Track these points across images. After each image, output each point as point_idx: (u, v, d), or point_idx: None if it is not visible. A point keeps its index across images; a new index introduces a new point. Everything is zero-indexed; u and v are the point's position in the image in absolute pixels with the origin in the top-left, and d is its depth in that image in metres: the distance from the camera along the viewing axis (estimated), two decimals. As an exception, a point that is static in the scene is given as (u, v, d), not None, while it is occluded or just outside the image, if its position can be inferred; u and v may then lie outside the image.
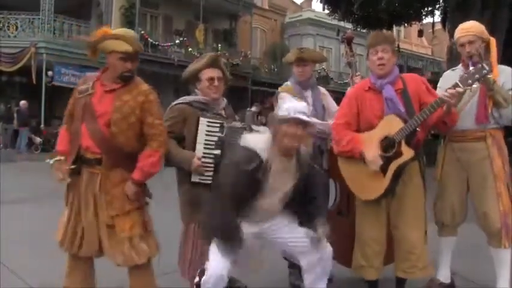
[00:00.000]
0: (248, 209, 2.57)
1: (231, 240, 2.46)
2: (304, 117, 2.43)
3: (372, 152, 2.82)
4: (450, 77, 3.16)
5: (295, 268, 3.46)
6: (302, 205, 2.68)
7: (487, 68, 2.66)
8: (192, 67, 3.08)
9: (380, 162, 2.80)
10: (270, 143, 2.50)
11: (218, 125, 2.91)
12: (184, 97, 3.06)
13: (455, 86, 2.70)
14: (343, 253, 3.20)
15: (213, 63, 3.03)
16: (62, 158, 2.65)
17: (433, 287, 3.28)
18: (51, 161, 2.65)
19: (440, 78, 3.35)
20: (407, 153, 2.77)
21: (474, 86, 2.79)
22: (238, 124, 3.01)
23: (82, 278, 2.78)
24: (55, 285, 2.92)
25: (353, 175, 2.99)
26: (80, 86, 2.69)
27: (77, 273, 2.78)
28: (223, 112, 3.06)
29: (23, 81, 17.85)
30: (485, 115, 3.02)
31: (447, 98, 2.68)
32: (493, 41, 3.05)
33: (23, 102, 15.64)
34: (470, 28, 3.10)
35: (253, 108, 16.93)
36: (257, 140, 2.53)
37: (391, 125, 2.80)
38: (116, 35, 2.59)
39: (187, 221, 2.95)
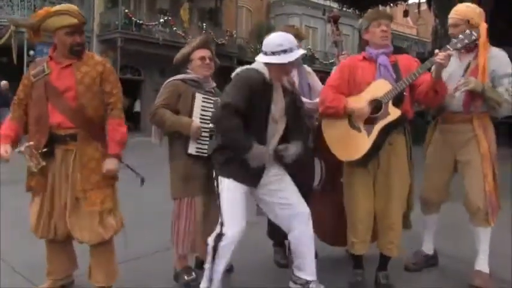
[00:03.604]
0: (260, 134, 2.64)
1: (247, 148, 2.51)
2: (302, 51, 2.66)
3: (359, 104, 2.86)
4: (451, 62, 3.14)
5: (280, 247, 3.51)
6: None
7: (475, 34, 2.70)
8: (184, 50, 3.21)
9: (368, 109, 2.82)
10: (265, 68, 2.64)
11: (212, 101, 3.05)
12: (178, 75, 3.16)
13: (446, 49, 2.73)
14: (328, 231, 3.25)
15: (204, 45, 3.19)
16: (31, 143, 2.56)
17: (417, 258, 3.46)
18: (22, 148, 2.53)
19: None
20: (394, 113, 2.80)
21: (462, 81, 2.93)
22: None
23: (64, 262, 2.83)
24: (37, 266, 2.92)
25: (336, 137, 3.00)
26: (31, 71, 2.67)
27: (58, 260, 2.81)
28: (213, 90, 3.19)
29: (3, 60, 17.46)
30: (471, 104, 3.07)
31: (439, 59, 2.69)
32: (482, 27, 3.02)
33: (3, 83, 15.30)
34: (456, 11, 3.17)
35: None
36: (256, 64, 2.68)
37: (379, 88, 2.84)
38: (59, 11, 2.59)
39: (180, 196, 2.99)
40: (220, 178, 2.68)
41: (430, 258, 3.52)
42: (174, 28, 19.57)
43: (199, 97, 3.02)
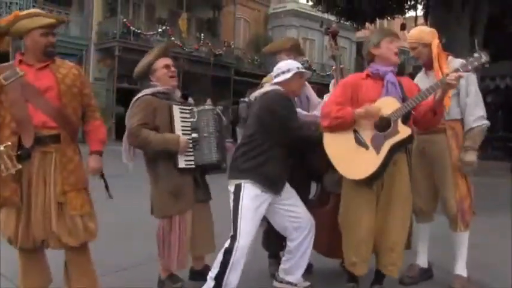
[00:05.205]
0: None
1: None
2: (303, 70, 3.01)
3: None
4: (420, 79, 3.43)
5: (274, 258, 3.49)
6: None
7: (484, 57, 2.71)
8: (144, 61, 3.11)
9: (380, 111, 2.77)
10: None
11: (188, 111, 3.00)
12: (145, 90, 3.04)
13: (456, 70, 2.73)
14: (323, 242, 3.23)
15: (165, 53, 3.14)
16: (9, 143, 2.42)
17: (413, 272, 3.46)
18: (2, 148, 2.37)
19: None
20: (404, 131, 2.75)
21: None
22: (207, 106, 3.11)
23: (40, 274, 2.72)
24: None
25: (342, 154, 2.86)
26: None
27: (34, 271, 2.70)
28: (182, 100, 3.13)
29: (0, 67, 17.47)
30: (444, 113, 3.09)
31: (449, 80, 2.68)
32: (434, 43, 3.25)
33: (0, 89, 15.33)
34: (411, 36, 3.40)
35: (247, 99, 16.80)
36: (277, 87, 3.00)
37: (386, 106, 2.78)
38: (31, 13, 2.59)
39: (171, 213, 2.91)
40: (243, 184, 2.76)
41: (425, 272, 3.51)
42: (172, 38, 19.63)
43: (176, 109, 2.94)
